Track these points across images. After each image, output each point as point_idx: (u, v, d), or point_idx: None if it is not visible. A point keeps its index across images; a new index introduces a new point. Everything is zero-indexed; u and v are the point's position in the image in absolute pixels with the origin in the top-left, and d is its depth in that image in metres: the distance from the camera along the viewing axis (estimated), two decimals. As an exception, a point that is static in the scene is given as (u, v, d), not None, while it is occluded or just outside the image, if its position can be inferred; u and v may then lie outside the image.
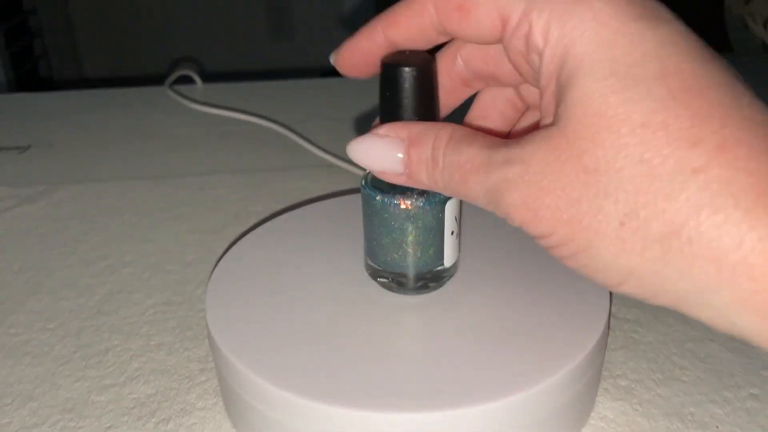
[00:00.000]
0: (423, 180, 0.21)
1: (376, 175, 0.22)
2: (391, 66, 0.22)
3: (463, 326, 0.23)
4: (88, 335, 0.30)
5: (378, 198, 0.24)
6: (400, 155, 0.21)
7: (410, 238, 0.24)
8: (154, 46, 1.72)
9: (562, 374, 0.21)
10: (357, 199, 0.29)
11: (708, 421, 0.24)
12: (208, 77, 0.62)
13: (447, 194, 0.21)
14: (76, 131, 0.52)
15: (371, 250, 0.25)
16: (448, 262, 0.25)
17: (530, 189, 0.18)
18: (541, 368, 0.21)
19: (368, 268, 0.26)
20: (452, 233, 0.24)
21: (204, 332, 0.30)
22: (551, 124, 0.18)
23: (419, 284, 0.25)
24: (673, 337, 0.28)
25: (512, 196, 0.18)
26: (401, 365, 0.22)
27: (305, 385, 0.21)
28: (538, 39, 0.18)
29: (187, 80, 0.60)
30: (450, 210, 0.24)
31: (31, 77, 1.43)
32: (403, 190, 0.23)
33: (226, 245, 0.36)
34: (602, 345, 0.24)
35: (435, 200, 0.23)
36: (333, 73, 0.26)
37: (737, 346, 0.28)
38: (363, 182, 0.25)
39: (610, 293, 0.25)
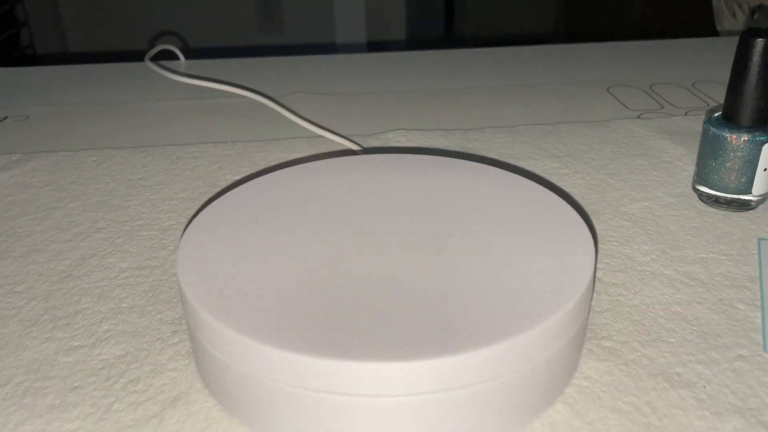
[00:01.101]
0: None
1: None
2: (746, 37, 0.30)
3: (446, 280, 0.23)
4: (57, 298, 0.29)
5: (712, 131, 0.32)
6: None
7: (728, 165, 0.32)
8: (139, 23, 1.70)
9: (546, 326, 0.21)
10: (333, 163, 0.28)
11: (695, 381, 0.23)
12: (192, 55, 0.61)
13: None
14: (53, 105, 0.51)
15: (700, 173, 0.33)
16: (756, 191, 0.32)
17: None
18: (524, 319, 0.21)
19: (695, 190, 0.34)
20: (765, 170, 0.32)
21: (177, 296, 0.29)
22: None
23: (733, 204, 0.33)
24: (659, 300, 0.28)
25: None
26: (380, 315, 0.21)
27: (278, 337, 0.20)
28: None
29: (170, 57, 0.59)
30: (766, 150, 0.31)
31: (12, 51, 1.40)
32: (732, 129, 0.32)
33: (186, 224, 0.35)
34: (586, 302, 0.23)
35: (755, 140, 0.31)
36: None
37: (725, 308, 0.27)
38: (705, 119, 0.34)
39: (596, 255, 0.24)
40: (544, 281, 0.22)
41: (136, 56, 0.62)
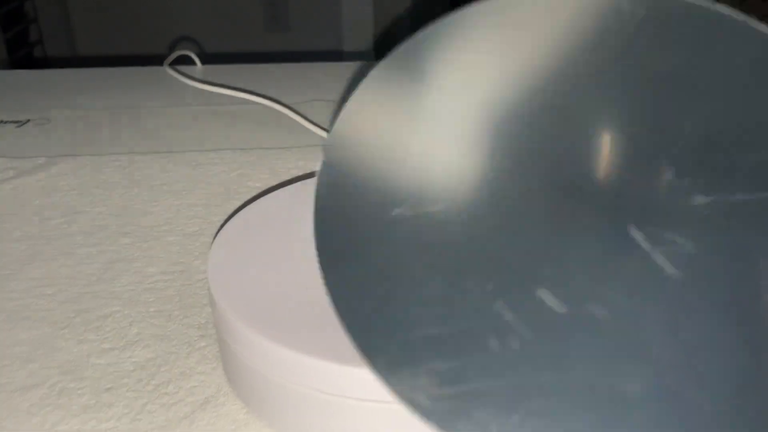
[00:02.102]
0: None
1: None
2: None
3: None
4: (87, 301, 0.30)
5: None
6: None
7: None
8: (150, 27, 1.71)
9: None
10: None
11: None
12: (207, 60, 0.62)
13: None
14: (74, 108, 0.52)
15: None
16: None
17: None
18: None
19: None
20: None
21: (204, 301, 0.30)
22: None
23: None
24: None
25: None
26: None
27: (305, 343, 0.21)
28: None
29: (186, 62, 0.60)
30: None
31: (23, 55, 1.42)
32: None
33: (225, 219, 0.36)
34: None
35: None
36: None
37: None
38: None
39: None
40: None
41: (146, 58, 0.64)
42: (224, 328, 0.23)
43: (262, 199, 0.30)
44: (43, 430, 0.23)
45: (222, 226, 0.27)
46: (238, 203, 0.38)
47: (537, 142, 0.14)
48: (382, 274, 0.16)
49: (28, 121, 0.50)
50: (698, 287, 0.12)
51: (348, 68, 0.62)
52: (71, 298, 0.30)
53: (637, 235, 0.13)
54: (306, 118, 0.48)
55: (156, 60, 0.61)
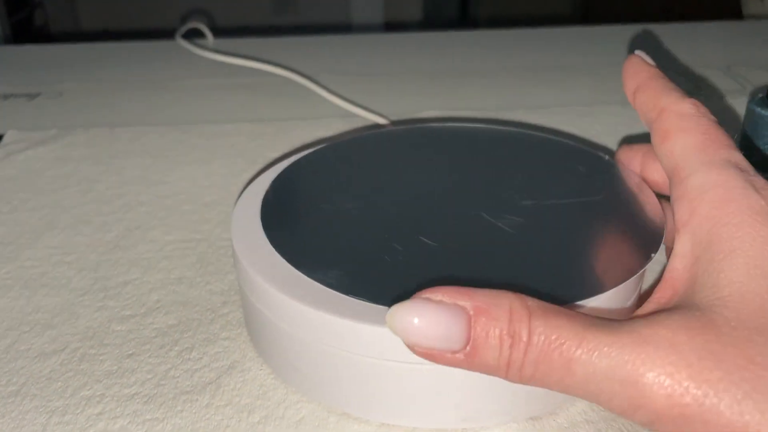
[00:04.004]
0: (489, 361, 0.17)
1: (417, 355, 0.18)
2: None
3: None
4: (106, 268, 0.29)
5: (758, 111, 0.32)
6: (460, 329, 0.17)
7: None
8: (157, 4, 1.70)
9: (620, 289, 0.21)
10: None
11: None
12: (217, 35, 0.61)
13: (525, 382, 0.18)
14: (85, 81, 0.51)
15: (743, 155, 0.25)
16: None
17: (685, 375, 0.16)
18: (594, 286, 0.21)
19: None
20: None
21: (225, 268, 0.29)
22: (681, 308, 0.18)
23: None
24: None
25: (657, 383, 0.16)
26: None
27: (336, 303, 0.20)
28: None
29: (196, 35, 0.59)
30: None
31: (27, 31, 1.41)
32: None
33: (241, 191, 0.35)
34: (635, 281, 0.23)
35: None
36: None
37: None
38: (749, 100, 0.33)
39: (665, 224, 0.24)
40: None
41: (153, 33, 0.63)
42: (251, 289, 0.23)
43: (282, 163, 0.29)
44: (65, 395, 0.23)
45: (245, 187, 0.27)
46: (256, 173, 0.37)
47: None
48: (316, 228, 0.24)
49: (39, 94, 0.49)
50: (522, 237, 0.23)
51: (361, 40, 0.61)
52: (89, 266, 0.29)
53: (485, 216, 0.24)
54: (326, 89, 0.47)
55: (160, 32, 0.61)
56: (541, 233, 0.24)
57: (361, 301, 0.20)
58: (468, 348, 0.17)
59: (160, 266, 0.29)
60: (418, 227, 0.24)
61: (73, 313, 0.26)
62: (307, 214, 0.25)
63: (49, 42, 0.61)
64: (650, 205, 0.25)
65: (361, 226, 0.24)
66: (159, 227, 0.32)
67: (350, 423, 0.21)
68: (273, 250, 0.23)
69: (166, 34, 0.60)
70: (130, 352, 0.24)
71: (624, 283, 0.21)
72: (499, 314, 0.17)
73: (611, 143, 0.39)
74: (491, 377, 0.20)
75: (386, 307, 0.19)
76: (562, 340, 0.17)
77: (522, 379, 0.17)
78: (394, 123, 0.42)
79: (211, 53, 0.53)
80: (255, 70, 0.51)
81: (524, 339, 0.17)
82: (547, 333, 0.17)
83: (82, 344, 0.25)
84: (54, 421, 0.22)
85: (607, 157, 0.29)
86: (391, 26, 1.86)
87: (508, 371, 0.17)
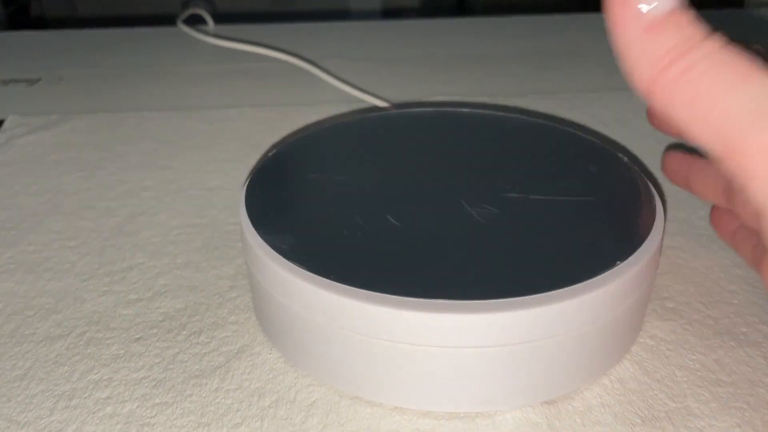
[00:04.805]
0: (666, 40, 0.16)
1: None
2: None
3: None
4: (110, 253, 0.29)
5: None
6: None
7: None
8: None
9: (620, 282, 0.20)
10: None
11: (762, 341, 0.23)
12: (217, 20, 0.60)
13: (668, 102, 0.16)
14: (85, 67, 0.51)
15: None
16: None
17: None
18: (597, 275, 0.20)
19: None
20: None
21: (232, 253, 0.29)
22: None
23: None
24: (719, 263, 0.27)
25: None
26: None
27: (348, 284, 0.20)
28: None
29: (196, 21, 0.58)
30: None
31: (22, 16, 1.40)
32: None
33: (248, 173, 0.35)
34: (656, 261, 0.23)
35: None
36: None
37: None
38: None
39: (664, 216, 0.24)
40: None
41: (150, 20, 0.62)
42: (261, 271, 0.22)
43: (285, 145, 0.28)
44: (73, 379, 0.22)
45: (252, 171, 0.26)
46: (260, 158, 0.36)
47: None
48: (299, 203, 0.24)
49: (40, 79, 0.48)
50: (507, 220, 0.23)
51: (363, 26, 0.60)
52: (94, 251, 0.29)
53: (464, 203, 0.24)
54: (329, 73, 0.46)
55: (157, 19, 0.60)
56: (516, 225, 0.23)
57: (376, 284, 0.20)
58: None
59: (166, 251, 0.29)
60: (428, 210, 0.24)
61: (78, 297, 0.26)
62: (315, 194, 0.25)
63: (46, 29, 0.61)
64: (645, 197, 0.25)
65: (372, 207, 0.24)
66: (164, 212, 0.32)
67: (362, 406, 0.21)
68: (285, 230, 0.22)
69: (162, 20, 0.60)
70: (138, 336, 0.24)
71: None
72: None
73: (619, 129, 0.39)
74: (505, 360, 0.20)
75: (399, 288, 0.19)
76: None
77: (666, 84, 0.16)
78: (396, 107, 0.42)
79: (213, 39, 0.53)
80: (257, 56, 0.51)
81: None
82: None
83: (88, 328, 0.25)
84: (61, 405, 0.21)
85: (600, 144, 0.28)
86: (389, 13, 1.85)
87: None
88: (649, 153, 0.36)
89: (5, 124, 0.41)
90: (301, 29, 0.59)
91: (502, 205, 0.24)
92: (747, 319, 0.24)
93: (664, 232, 0.23)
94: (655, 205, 0.24)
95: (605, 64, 0.50)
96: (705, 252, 0.28)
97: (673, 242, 0.29)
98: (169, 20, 0.59)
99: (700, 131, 0.16)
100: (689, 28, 0.16)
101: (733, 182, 0.17)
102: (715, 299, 0.25)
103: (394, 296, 0.19)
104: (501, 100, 0.43)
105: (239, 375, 0.22)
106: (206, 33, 0.55)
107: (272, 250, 0.21)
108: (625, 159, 0.27)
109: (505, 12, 0.65)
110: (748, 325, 0.24)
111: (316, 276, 0.20)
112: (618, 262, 0.21)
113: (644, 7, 0.16)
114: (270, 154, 0.27)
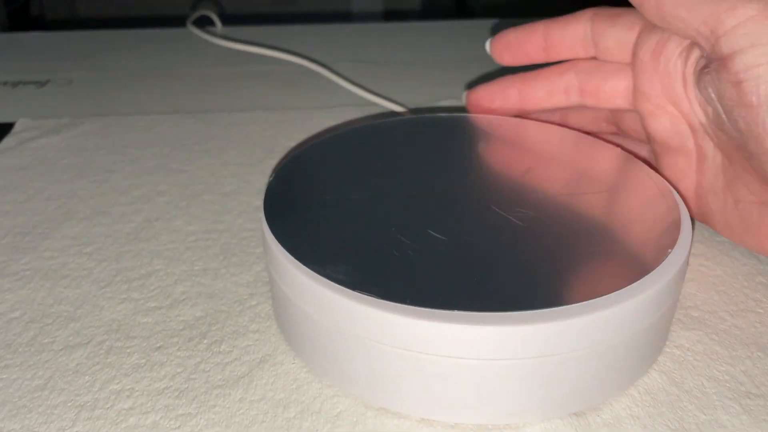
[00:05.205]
0: None
1: None
2: None
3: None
4: (127, 260, 0.28)
5: None
6: None
7: None
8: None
9: (647, 295, 0.20)
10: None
11: (789, 351, 0.23)
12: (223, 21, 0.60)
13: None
14: (94, 69, 0.50)
15: None
16: None
17: None
18: (625, 287, 0.20)
19: None
20: None
21: (251, 259, 0.28)
22: None
23: None
24: (742, 271, 0.27)
25: None
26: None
27: (373, 293, 0.20)
28: None
29: (204, 23, 0.58)
30: None
31: (23, 17, 1.40)
32: None
33: (263, 178, 0.34)
34: (684, 272, 0.22)
35: None
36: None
37: (809, 281, 0.27)
38: None
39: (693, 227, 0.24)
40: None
41: (150, 22, 0.62)
42: (283, 279, 0.22)
43: (302, 150, 0.28)
44: (94, 389, 0.22)
45: (271, 177, 0.26)
46: (275, 162, 0.36)
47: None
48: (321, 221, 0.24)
49: (49, 81, 0.48)
50: (532, 230, 0.23)
51: (370, 29, 0.60)
52: (110, 257, 0.29)
53: (496, 209, 0.24)
54: (342, 76, 0.46)
55: (159, 21, 0.59)
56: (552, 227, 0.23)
57: (402, 293, 0.20)
58: None
59: (184, 257, 0.28)
60: (456, 221, 0.23)
61: (96, 305, 0.26)
62: (340, 201, 0.24)
63: (46, 30, 0.60)
64: (666, 198, 0.24)
65: (398, 217, 0.23)
66: (180, 217, 0.31)
67: (389, 418, 0.21)
68: (308, 238, 0.22)
69: (166, 22, 0.59)
70: (158, 344, 0.24)
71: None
72: None
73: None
74: (533, 372, 0.19)
75: (426, 297, 0.19)
76: None
77: None
78: (412, 112, 0.42)
79: (223, 41, 0.53)
80: (267, 58, 0.50)
81: None
82: None
83: (108, 337, 0.24)
84: (84, 416, 0.21)
85: (619, 149, 0.28)
86: (390, 15, 1.85)
87: None
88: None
89: (16, 127, 0.40)
90: (306, 31, 0.59)
91: (528, 216, 0.24)
92: (773, 329, 0.24)
93: (692, 239, 0.23)
94: (680, 212, 0.24)
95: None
96: (727, 259, 0.28)
97: (696, 249, 0.28)
98: (169, 21, 0.59)
99: (685, 17, 0.23)
100: None
101: (712, 58, 0.23)
102: (740, 308, 0.25)
103: (422, 308, 0.19)
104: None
105: (263, 385, 0.22)
106: (215, 35, 0.55)
107: (296, 260, 0.21)
108: (648, 165, 0.27)
109: (505, 14, 0.64)
110: (774, 335, 0.24)
111: (344, 287, 0.20)
112: (669, 251, 0.22)
113: None
114: (290, 157, 0.27)
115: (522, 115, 0.32)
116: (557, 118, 0.33)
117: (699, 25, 0.23)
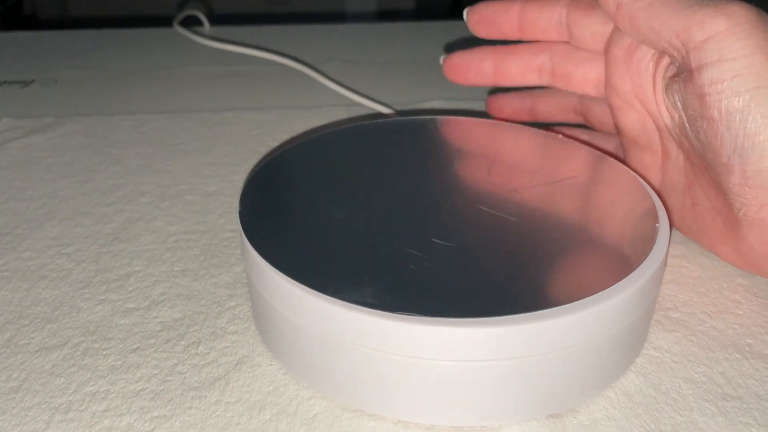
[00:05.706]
0: None
1: None
2: None
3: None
4: (106, 261, 0.28)
5: None
6: None
7: None
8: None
9: (626, 295, 0.20)
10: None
11: (767, 353, 0.23)
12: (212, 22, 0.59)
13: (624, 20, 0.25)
14: (80, 68, 0.50)
15: None
16: None
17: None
18: (604, 289, 0.20)
19: None
20: None
21: (231, 260, 0.28)
22: None
23: None
24: (721, 272, 0.27)
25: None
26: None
27: (350, 295, 0.20)
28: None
29: (192, 23, 0.58)
30: None
31: (14, 16, 1.39)
32: None
33: (250, 172, 0.34)
34: (661, 273, 0.22)
35: None
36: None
37: (789, 282, 0.27)
38: None
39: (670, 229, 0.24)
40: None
41: (142, 21, 0.61)
42: (261, 283, 0.22)
43: (282, 151, 0.28)
44: (69, 391, 0.22)
45: (249, 178, 0.26)
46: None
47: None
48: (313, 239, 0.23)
49: (34, 81, 0.48)
50: (525, 225, 0.23)
51: (359, 29, 0.60)
52: (89, 258, 0.28)
53: (484, 208, 0.24)
54: (327, 77, 0.46)
55: (150, 20, 0.59)
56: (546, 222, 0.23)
57: (379, 295, 0.19)
58: None
59: (164, 258, 0.28)
60: (427, 223, 0.23)
61: (73, 306, 0.26)
62: (316, 204, 0.24)
63: (39, 30, 0.60)
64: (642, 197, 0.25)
65: (371, 219, 0.23)
66: (161, 218, 0.31)
67: (365, 420, 0.21)
68: (285, 240, 0.22)
69: (155, 21, 0.59)
70: (135, 346, 0.24)
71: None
72: None
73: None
74: (510, 374, 0.19)
75: (406, 302, 0.19)
76: None
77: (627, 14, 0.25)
78: (399, 113, 0.41)
79: (209, 41, 0.52)
80: (254, 58, 0.50)
81: None
82: None
83: (85, 338, 0.24)
84: (57, 418, 0.21)
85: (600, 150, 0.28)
86: (384, 15, 1.85)
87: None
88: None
89: (-1, 127, 0.40)
90: (297, 31, 0.59)
91: (501, 219, 0.24)
92: (752, 330, 0.24)
93: (670, 241, 0.23)
94: (658, 214, 0.24)
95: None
96: (708, 261, 0.28)
97: (675, 251, 0.28)
98: (160, 21, 0.58)
99: (658, 29, 0.24)
100: None
101: (683, 68, 0.24)
102: (719, 309, 0.25)
103: (398, 311, 0.19)
104: (500, 105, 0.43)
105: (239, 387, 0.22)
106: (202, 35, 0.54)
107: (274, 265, 0.21)
108: (629, 167, 0.27)
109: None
110: (753, 336, 0.24)
111: (320, 291, 0.20)
112: (656, 224, 0.23)
113: None
114: (269, 159, 0.27)
115: (496, 84, 0.33)
116: (527, 104, 0.34)
117: (671, 38, 0.23)
